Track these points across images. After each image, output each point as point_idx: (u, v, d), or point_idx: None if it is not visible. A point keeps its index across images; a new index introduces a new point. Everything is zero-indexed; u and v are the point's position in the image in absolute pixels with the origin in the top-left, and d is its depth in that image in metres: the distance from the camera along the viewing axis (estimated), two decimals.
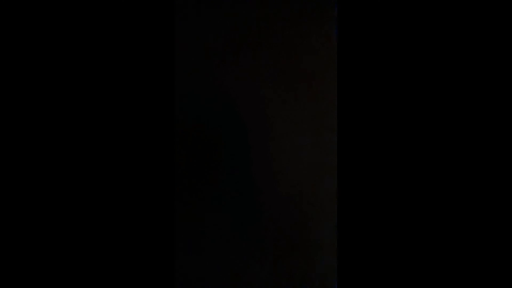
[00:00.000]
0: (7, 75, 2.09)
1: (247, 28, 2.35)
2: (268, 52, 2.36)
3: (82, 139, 2.10)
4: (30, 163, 2.09)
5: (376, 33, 2.11)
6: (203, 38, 2.34)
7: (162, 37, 2.14)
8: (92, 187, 2.10)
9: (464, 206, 2.08)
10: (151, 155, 2.12)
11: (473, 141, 2.09)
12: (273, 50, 2.36)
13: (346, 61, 2.12)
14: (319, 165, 2.36)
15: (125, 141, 2.11)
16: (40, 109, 2.10)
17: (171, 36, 2.15)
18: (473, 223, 2.08)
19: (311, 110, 2.36)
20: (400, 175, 2.09)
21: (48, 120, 2.10)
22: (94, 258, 2.10)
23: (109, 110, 2.11)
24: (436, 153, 2.09)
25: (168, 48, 2.14)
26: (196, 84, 2.33)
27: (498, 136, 2.08)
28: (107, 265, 2.10)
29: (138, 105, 2.12)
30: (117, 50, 2.12)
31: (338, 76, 2.20)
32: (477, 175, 2.08)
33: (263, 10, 2.36)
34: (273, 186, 2.34)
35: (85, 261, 2.09)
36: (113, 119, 2.11)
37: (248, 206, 2.33)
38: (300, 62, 2.37)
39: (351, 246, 2.10)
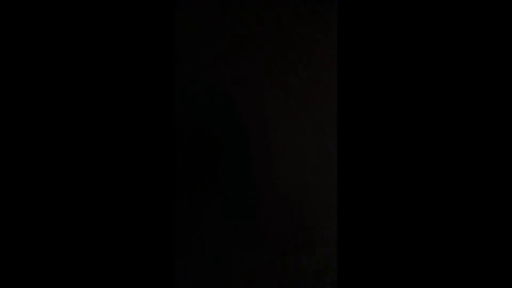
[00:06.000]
0: (7, 75, 2.10)
1: (247, 28, 2.36)
2: (268, 52, 2.36)
3: (83, 139, 2.10)
4: (30, 163, 2.09)
5: (376, 32, 2.11)
6: (203, 38, 2.34)
7: (162, 37, 2.14)
8: (92, 187, 2.10)
9: (464, 205, 2.08)
10: (151, 155, 2.12)
11: (473, 140, 2.09)
12: (273, 50, 2.36)
13: (346, 61, 2.12)
14: (319, 164, 2.36)
15: (125, 141, 2.11)
16: (40, 109, 2.10)
17: (171, 36, 2.15)
18: (473, 222, 2.08)
19: (311, 110, 2.36)
20: (400, 174, 2.09)
21: (48, 120, 2.10)
22: (94, 257, 2.10)
23: (109, 110, 2.11)
24: (437, 152, 2.09)
25: (168, 48, 2.14)
26: (196, 84, 2.33)
27: (498, 136, 2.08)
28: (108, 265, 2.10)
29: (138, 105, 2.12)
30: (117, 50, 2.12)
31: (338, 76, 2.20)
32: (477, 174, 2.08)
33: (263, 9, 2.36)
34: (273, 185, 2.34)
35: (85, 261, 2.09)
36: (114, 119, 2.11)
37: (248, 206, 2.33)
38: (300, 62, 2.37)
39: (351, 245, 2.10)
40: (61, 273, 2.09)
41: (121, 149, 2.11)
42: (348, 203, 2.10)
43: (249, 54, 2.35)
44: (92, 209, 2.09)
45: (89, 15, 2.12)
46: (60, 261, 2.09)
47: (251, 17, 2.36)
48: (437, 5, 2.11)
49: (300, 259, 2.34)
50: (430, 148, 2.09)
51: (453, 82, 2.10)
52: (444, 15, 2.11)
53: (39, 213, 2.08)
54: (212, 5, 2.35)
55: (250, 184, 2.33)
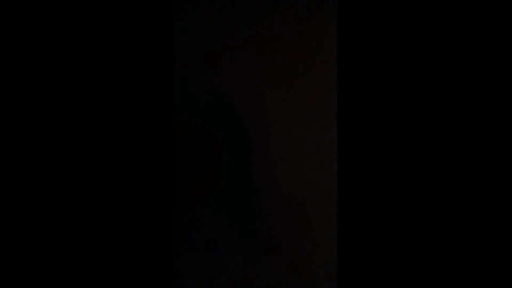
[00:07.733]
0: (7, 75, 2.10)
1: (247, 28, 2.36)
2: (268, 52, 2.36)
3: (83, 139, 2.10)
4: (30, 163, 2.09)
5: (376, 32, 2.11)
6: (203, 38, 2.34)
7: (162, 37, 2.14)
8: (92, 188, 2.10)
9: (464, 205, 2.09)
10: (151, 155, 2.12)
11: (473, 139, 2.09)
12: (273, 50, 2.36)
13: (346, 60, 2.12)
14: (319, 164, 2.36)
15: (125, 141, 2.12)
16: (39, 110, 2.10)
17: (171, 36, 2.15)
18: (472, 221, 2.08)
19: (311, 110, 2.36)
20: (400, 174, 2.09)
21: (48, 120, 2.10)
22: (94, 258, 2.10)
23: (109, 110, 2.11)
24: (437, 152, 2.09)
25: (168, 48, 2.14)
26: (196, 84, 2.33)
27: (498, 136, 2.09)
28: (108, 265, 2.10)
29: (138, 105, 2.12)
30: (117, 50, 2.12)
31: (338, 75, 2.20)
32: (477, 173, 2.08)
33: (263, 9, 2.36)
34: (273, 186, 2.34)
35: (85, 261, 2.09)
36: (114, 119, 2.11)
37: (248, 206, 2.33)
38: (300, 62, 2.37)
39: (351, 245, 2.10)
40: (62, 273, 2.09)
41: (121, 150, 2.11)
42: (348, 202, 2.10)
43: (249, 53, 2.35)
44: (93, 210, 2.10)
45: (89, 15, 2.12)
46: (60, 261, 2.09)
47: (251, 18, 2.36)
48: (437, 5, 2.11)
49: (300, 259, 2.34)
50: (430, 148, 2.09)
51: (452, 82, 2.10)
52: (444, 15, 2.11)
53: (39, 213, 2.09)
54: (212, 5, 2.35)
55: (250, 184, 2.33)
